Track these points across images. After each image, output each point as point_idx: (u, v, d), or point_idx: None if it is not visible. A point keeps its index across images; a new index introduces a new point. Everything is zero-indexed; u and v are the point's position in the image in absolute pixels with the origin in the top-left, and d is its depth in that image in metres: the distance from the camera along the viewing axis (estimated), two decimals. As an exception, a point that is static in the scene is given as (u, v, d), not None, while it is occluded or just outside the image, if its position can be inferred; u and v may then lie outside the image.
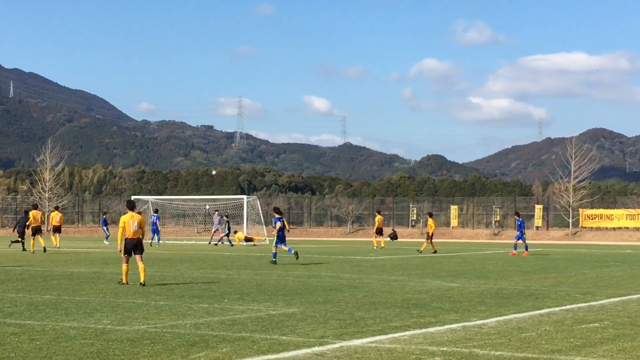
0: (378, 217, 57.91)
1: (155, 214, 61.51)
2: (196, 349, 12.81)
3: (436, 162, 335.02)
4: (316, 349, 12.91)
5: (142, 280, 23.90)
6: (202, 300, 20.11)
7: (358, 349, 12.90)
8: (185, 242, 69.00)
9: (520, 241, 46.67)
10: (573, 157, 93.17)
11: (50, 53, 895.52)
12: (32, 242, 45.06)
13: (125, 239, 24.05)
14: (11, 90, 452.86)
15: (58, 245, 50.52)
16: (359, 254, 47.97)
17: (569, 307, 19.40)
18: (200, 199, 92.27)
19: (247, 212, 72.03)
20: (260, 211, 79.10)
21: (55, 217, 53.28)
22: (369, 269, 33.32)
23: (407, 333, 14.74)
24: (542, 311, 18.42)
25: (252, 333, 14.57)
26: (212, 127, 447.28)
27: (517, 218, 48.64)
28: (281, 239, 36.37)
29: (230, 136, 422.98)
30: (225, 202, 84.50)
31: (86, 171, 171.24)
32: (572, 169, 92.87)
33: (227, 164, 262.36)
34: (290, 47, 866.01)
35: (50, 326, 15.25)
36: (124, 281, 24.12)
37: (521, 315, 17.67)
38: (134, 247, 24.15)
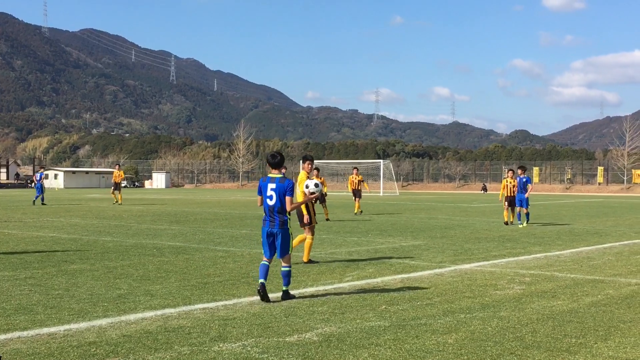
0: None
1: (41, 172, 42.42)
2: (350, 269, 12.90)
3: (522, 135, 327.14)
4: (436, 270, 12.84)
5: None
6: (353, 235, 20.22)
7: (467, 271, 12.77)
8: (341, 193, 69.40)
9: None
10: (628, 130, 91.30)
11: (243, 56, 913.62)
12: (117, 195, 40.54)
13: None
14: (215, 86, 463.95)
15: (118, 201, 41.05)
16: (465, 202, 47.34)
17: (626, 242, 18.71)
18: (348, 163, 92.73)
19: (383, 172, 72.18)
20: (393, 171, 79.08)
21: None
22: (473, 213, 32.88)
23: (503, 260, 14.51)
24: (605, 245, 17.84)
25: (389, 259, 14.58)
26: (357, 110, 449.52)
27: None
28: None
29: (370, 117, 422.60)
30: (366, 165, 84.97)
31: (268, 143, 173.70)
32: (627, 139, 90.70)
33: (367, 137, 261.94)
34: (417, 48, 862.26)
35: (247, 252, 15.59)
36: None
37: (589, 248, 17.15)
38: None
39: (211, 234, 20.34)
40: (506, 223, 24.57)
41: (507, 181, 24.94)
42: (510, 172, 25.33)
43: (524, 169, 25.28)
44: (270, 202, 9.76)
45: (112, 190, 41.71)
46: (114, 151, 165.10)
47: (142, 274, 12.07)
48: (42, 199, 39.55)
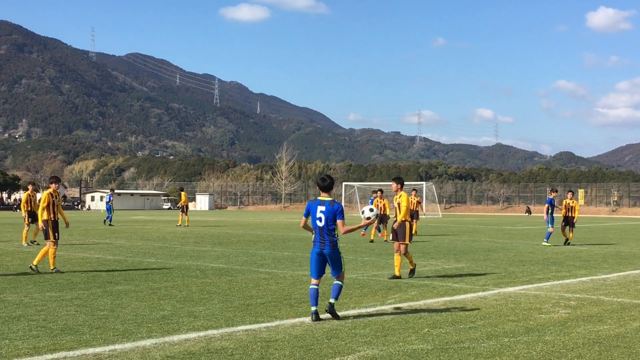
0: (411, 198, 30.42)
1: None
2: (392, 292, 12.84)
3: (567, 157, 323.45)
4: (480, 293, 12.71)
5: None
6: (395, 257, 20.10)
7: (511, 294, 12.63)
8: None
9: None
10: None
11: (285, 79, 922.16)
12: (183, 217, 41.00)
13: None
14: (258, 108, 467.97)
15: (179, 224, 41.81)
16: (508, 224, 46.88)
17: (674, 266, 18.35)
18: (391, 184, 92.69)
19: (426, 194, 71.79)
20: (435, 194, 78.61)
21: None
22: (517, 236, 32.53)
23: (548, 283, 14.32)
24: (653, 269, 17.51)
25: (432, 281, 14.49)
26: (399, 132, 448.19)
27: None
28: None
29: (412, 139, 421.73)
30: (409, 187, 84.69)
31: (310, 165, 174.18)
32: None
33: (410, 159, 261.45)
34: (459, 69, 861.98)
35: (289, 274, 15.62)
36: None
37: (637, 271, 16.84)
38: None
39: (254, 255, 20.42)
40: (566, 242, 26.03)
41: (566, 202, 26.40)
42: (570, 193, 27.32)
43: (554, 190, 26.99)
44: (320, 224, 9.98)
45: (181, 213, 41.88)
46: (158, 173, 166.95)
47: (186, 295, 12.16)
48: (110, 219, 41.78)
